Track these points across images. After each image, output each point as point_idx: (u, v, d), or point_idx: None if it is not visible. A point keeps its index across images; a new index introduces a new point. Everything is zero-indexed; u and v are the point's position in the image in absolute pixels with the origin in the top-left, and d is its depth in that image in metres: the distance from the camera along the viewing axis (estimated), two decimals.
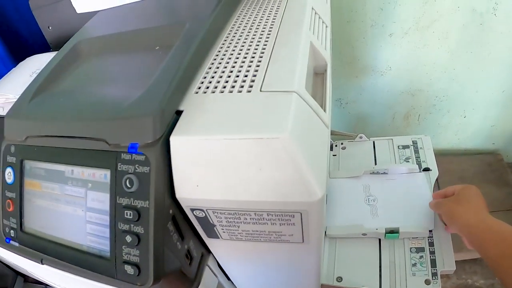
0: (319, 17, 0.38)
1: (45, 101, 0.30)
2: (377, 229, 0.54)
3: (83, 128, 0.24)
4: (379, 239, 0.55)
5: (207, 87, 0.26)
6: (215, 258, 0.32)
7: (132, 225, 0.22)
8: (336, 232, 0.57)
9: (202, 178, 0.22)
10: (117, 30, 0.35)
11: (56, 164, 0.26)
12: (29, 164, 0.28)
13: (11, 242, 0.31)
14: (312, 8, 0.37)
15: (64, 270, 0.28)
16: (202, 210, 0.24)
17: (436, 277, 0.49)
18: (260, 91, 0.25)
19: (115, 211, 0.23)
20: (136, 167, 0.22)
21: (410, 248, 0.53)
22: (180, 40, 0.28)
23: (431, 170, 0.60)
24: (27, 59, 0.66)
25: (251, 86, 0.25)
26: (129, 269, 0.22)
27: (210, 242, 0.28)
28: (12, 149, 0.30)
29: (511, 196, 0.81)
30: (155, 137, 0.22)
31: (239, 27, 0.33)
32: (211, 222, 0.25)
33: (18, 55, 0.75)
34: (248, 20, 0.34)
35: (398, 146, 0.67)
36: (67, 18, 0.68)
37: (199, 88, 0.26)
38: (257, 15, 0.35)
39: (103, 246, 0.24)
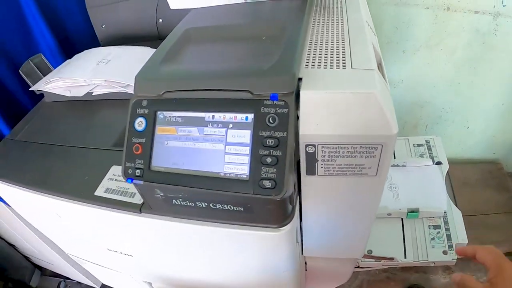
0: (370, 28, 0.53)
1: (176, 66, 0.41)
2: (400, 209, 0.67)
3: (230, 82, 0.36)
4: (402, 219, 0.69)
5: (313, 65, 0.39)
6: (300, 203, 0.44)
7: (271, 150, 0.34)
8: None
9: (320, 119, 0.35)
10: (217, 24, 0.48)
11: (196, 112, 0.38)
12: (163, 114, 0.39)
13: (134, 181, 0.41)
14: (366, 21, 0.52)
15: (194, 198, 0.39)
16: (314, 146, 0.36)
17: (451, 248, 0.62)
18: (352, 68, 0.38)
19: (257, 142, 0.35)
20: (277, 109, 0.34)
21: (429, 225, 0.67)
22: (288, 33, 0.41)
23: (442, 164, 0.75)
24: (86, 51, 0.77)
25: (344, 65, 0.38)
26: (267, 184, 0.34)
27: (305, 180, 0.40)
28: (144, 103, 0.40)
29: (511, 200, 0.96)
30: (290, 90, 0.34)
31: (317, 29, 0.47)
32: (316, 157, 0.37)
33: (64, 49, 0.87)
34: (323, 25, 0.48)
35: (413, 144, 0.82)
36: (121, 18, 0.81)
37: (307, 65, 0.39)
38: (328, 22, 0.49)
39: (241, 171, 0.35)
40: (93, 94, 0.66)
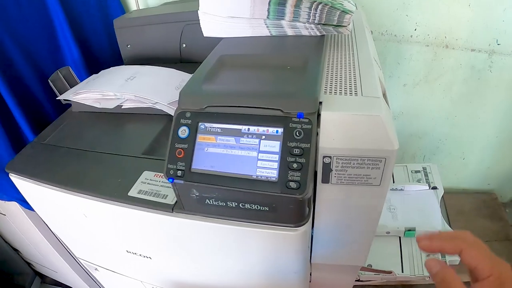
0: (376, 62, 0.66)
1: (215, 86, 0.52)
2: (398, 228, 0.78)
3: (265, 101, 0.47)
4: (399, 237, 0.79)
5: (330, 91, 0.51)
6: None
7: (297, 158, 0.45)
8: None
9: (336, 135, 0.46)
10: (247, 52, 0.61)
11: (233, 124, 0.49)
12: (204, 125, 0.50)
13: (175, 181, 0.51)
14: (373, 57, 0.65)
15: (227, 196, 0.50)
16: (330, 157, 0.48)
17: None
18: (362, 95, 0.50)
19: (285, 151, 0.46)
20: (302, 125, 0.45)
21: None
22: (310, 63, 0.54)
23: (438, 189, 0.87)
24: (112, 68, 0.89)
25: (355, 93, 0.50)
26: (293, 185, 0.45)
27: (320, 188, 0.51)
28: (188, 114, 0.51)
29: (505, 229, 1.08)
30: (313, 111, 0.46)
31: (333, 61, 0.60)
32: (331, 167, 0.49)
33: (88, 64, 0.99)
34: (337, 58, 0.61)
35: (411, 170, 0.94)
36: (147, 40, 0.93)
37: (325, 91, 0.51)
38: (341, 56, 0.62)
39: (270, 174, 0.46)
40: (122, 107, 0.77)
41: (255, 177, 0.47)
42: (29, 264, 1.04)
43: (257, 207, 0.50)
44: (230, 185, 0.48)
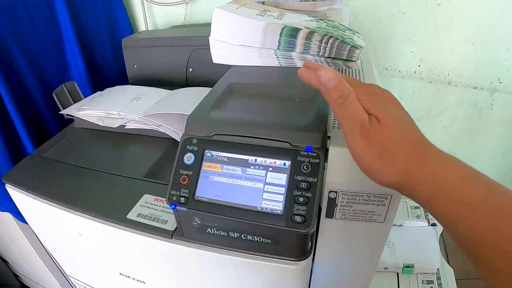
0: None
1: (223, 113, 0.53)
2: (396, 263, 0.78)
3: (274, 133, 0.48)
4: (397, 273, 0.79)
5: (338, 126, 0.52)
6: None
7: (303, 192, 0.45)
8: None
9: (343, 170, 0.46)
10: (256, 82, 0.62)
11: (240, 154, 0.49)
12: (210, 153, 0.51)
13: (177, 207, 0.51)
14: None
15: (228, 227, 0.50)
16: (336, 192, 0.48)
17: None
18: None
19: (292, 184, 0.46)
20: (310, 159, 0.46)
21: (422, 280, 0.77)
22: (319, 96, 0.54)
23: (437, 225, 0.88)
24: (118, 87, 0.90)
25: None
26: (298, 219, 0.45)
27: (323, 222, 0.51)
28: (194, 141, 0.51)
29: None
30: (322, 145, 0.47)
31: None
32: (336, 202, 0.49)
33: (93, 80, 1.00)
34: None
35: (411, 206, 0.95)
36: (154, 62, 0.94)
37: (333, 126, 0.52)
38: None
39: (276, 207, 0.46)
40: (125, 127, 0.77)
41: (260, 209, 0.47)
42: (16, 276, 1.02)
43: (260, 239, 0.50)
44: (234, 215, 0.48)
